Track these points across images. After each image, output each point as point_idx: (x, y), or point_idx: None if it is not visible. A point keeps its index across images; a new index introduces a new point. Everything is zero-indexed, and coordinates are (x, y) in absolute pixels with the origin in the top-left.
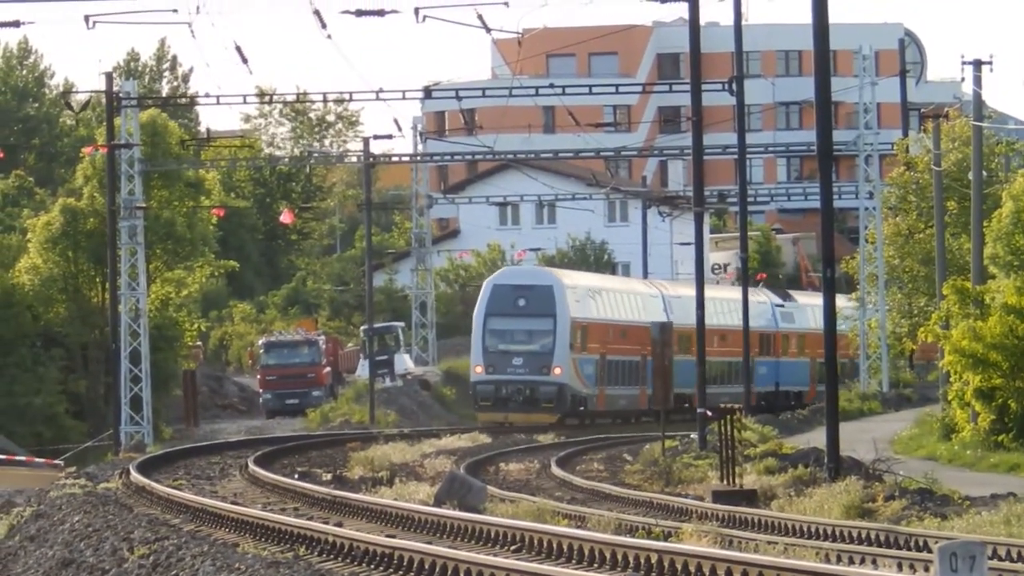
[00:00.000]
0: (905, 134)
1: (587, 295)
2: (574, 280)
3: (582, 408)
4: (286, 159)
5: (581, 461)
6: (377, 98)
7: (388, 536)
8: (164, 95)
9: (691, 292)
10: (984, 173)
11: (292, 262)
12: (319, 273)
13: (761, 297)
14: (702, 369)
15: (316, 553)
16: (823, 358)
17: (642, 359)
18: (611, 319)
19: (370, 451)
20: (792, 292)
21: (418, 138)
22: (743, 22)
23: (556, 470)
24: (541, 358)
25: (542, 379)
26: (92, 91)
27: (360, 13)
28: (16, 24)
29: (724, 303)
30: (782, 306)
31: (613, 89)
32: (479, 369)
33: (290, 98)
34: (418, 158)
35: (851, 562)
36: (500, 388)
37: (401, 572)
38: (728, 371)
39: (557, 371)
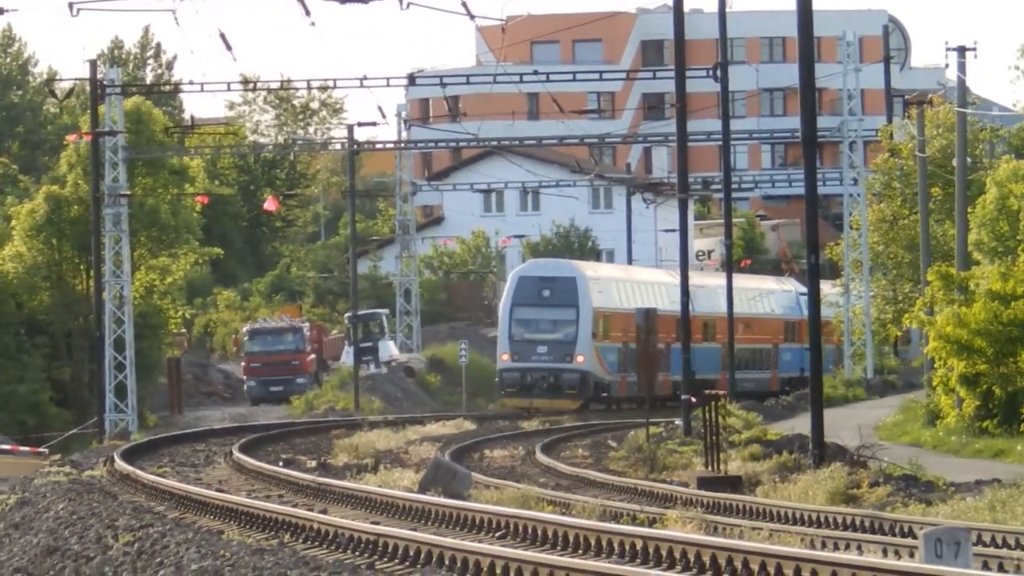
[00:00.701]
0: (889, 120)
1: (610, 286)
2: (597, 272)
3: (605, 394)
4: (270, 146)
5: (566, 448)
6: (361, 85)
7: (373, 523)
8: (148, 83)
9: (716, 281)
10: (968, 159)
11: (276, 249)
12: (303, 260)
13: (787, 286)
14: (687, 356)
15: (301, 540)
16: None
17: (665, 346)
18: (634, 309)
19: (355, 438)
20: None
21: (402, 125)
22: (727, 9)
23: (541, 457)
24: (564, 347)
25: (565, 366)
26: (76, 79)
27: (344, 0)
28: None
29: (749, 292)
30: (806, 294)
31: (597, 76)
32: (505, 357)
33: (274, 85)
34: (402, 145)
35: (836, 548)
36: (525, 375)
37: (386, 559)
38: (754, 357)
39: (580, 359)
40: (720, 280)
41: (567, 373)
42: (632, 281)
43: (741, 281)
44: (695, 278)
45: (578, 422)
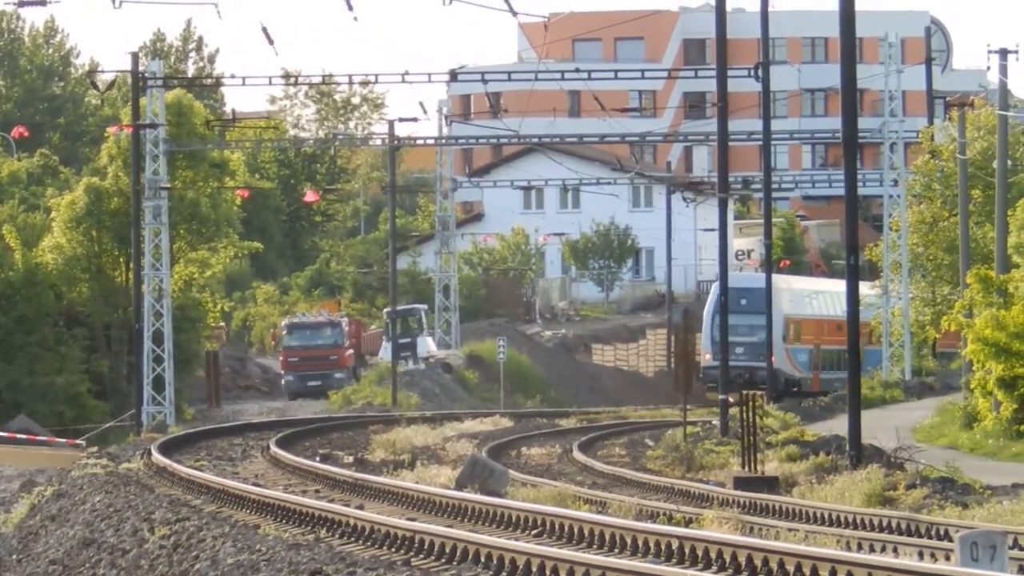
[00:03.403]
0: (930, 122)
1: (801, 296)
2: (790, 284)
3: (796, 389)
4: (311, 141)
5: (603, 446)
6: (403, 81)
7: (409, 519)
8: (190, 76)
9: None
10: (1009, 162)
11: (316, 244)
12: (343, 255)
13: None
14: (725, 356)
15: (337, 535)
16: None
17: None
18: (826, 315)
19: (392, 434)
20: None
21: (443, 121)
22: (769, 8)
23: (578, 455)
24: (758, 348)
25: (759, 365)
26: (118, 71)
27: None
28: (42, 3)
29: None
30: None
31: (639, 74)
32: (707, 356)
33: (315, 80)
34: (443, 141)
35: (872, 550)
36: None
37: (422, 555)
38: None
39: (772, 359)
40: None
41: (761, 371)
42: (826, 292)
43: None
44: (866, 287)
45: (616, 420)
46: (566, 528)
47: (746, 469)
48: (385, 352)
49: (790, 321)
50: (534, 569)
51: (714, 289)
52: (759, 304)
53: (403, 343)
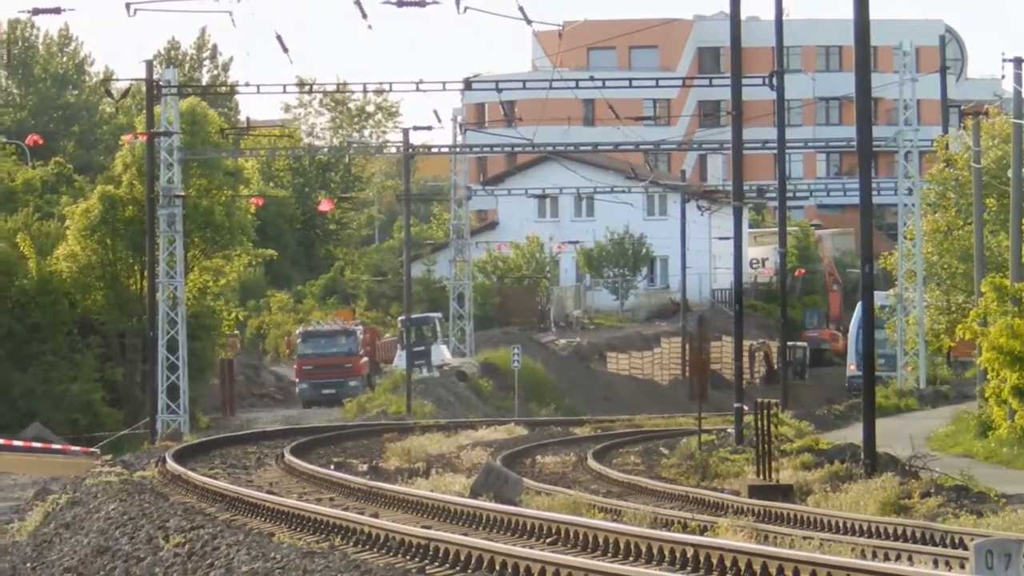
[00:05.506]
0: (945, 131)
1: None
2: None
3: None
4: (325, 149)
5: (617, 454)
6: (417, 89)
7: (424, 527)
8: (204, 84)
9: None
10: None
11: (330, 252)
12: (357, 263)
13: None
14: (739, 364)
15: (351, 543)
16: None
17: None
18: None
19: (406, 442)
20: None
21: (457, 129)
22: (784, 17)
23: (592, 463)
24: (894, 359)
25: (894, 374)
26: (132, 79)
27: (401, 3)
28: (57, 11)
29: None
30: None
31: (653, 82)
32: (852, 367)
33: (330, 88)
34: (457, 149)
35: (886, 558)
36: None
37: (436, 563)
38: None
39: (908, 368)
40: None
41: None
42: None
43: None
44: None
45: (630, 429)
46: (581, 536)
47: (761, 477)
48: (399, 360)
49: None
50: None
51: (859, 307)
52: None
53: (417, 351)
